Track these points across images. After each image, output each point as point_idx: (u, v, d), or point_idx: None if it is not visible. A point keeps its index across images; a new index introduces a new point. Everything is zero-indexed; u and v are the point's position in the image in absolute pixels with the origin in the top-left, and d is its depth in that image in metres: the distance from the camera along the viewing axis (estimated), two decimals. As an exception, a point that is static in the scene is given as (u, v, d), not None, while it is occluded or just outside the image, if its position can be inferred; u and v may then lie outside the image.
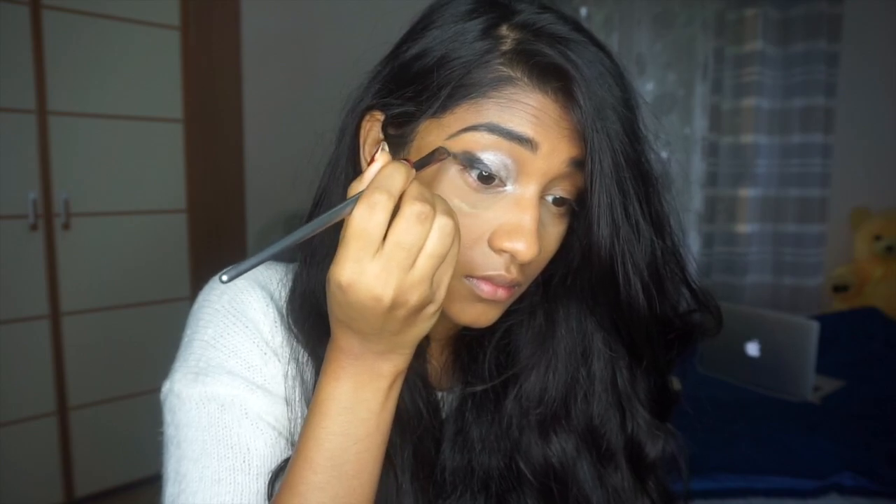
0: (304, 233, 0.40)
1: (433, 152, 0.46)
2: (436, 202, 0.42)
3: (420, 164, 0.45)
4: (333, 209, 0.41)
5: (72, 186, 2.14)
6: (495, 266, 0.49)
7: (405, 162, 0.42)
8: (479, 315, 0.51)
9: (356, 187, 0.42)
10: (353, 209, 0.40)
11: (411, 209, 0.40)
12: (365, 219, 0.40)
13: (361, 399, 0.45)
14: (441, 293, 0.44)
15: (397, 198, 0.40)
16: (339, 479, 0.46)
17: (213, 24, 2.47)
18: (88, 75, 2.15)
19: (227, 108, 2.55)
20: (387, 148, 0.44)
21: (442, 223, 0.41)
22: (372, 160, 0.42)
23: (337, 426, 0.45)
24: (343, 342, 0.45)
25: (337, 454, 0.45)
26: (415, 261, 0.41)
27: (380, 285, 0.40)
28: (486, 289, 0.50)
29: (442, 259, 0.42)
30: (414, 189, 0.41)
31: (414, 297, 0.41)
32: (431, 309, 0.44)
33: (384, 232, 0.40)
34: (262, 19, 2.60)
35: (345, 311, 0.42)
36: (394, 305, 0.41)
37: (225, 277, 0.38)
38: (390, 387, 0.46)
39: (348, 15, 2.64)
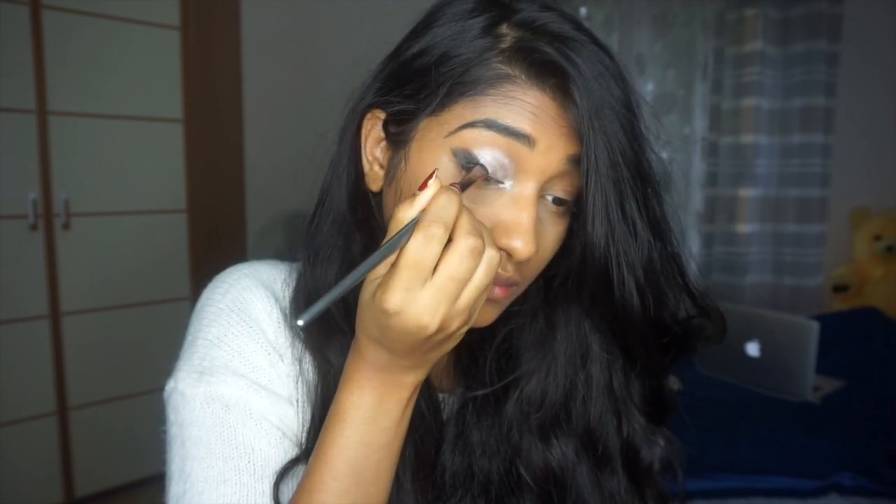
0: (368, 266, 0.41)
1: (472, 171, 0.47)
2: (483, 234, 0.43)
3: (463, 186, 0.45)
4: (391, 240, 0.42)
5: (72, 186, 2.14)
6: None
7: (455, 190, 0.43)
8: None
9: (404, 210, 0.43)
10: (408, 239, 0.41)
11: (465, 243, 0.41)
12: (421, 250, 0.40)
13: (384, 409, 0.46)
14: (475, 317, 0.45)
15: (451, 228, 0.41)
16: (357, 486, 0.46)
17: (213, 24, 2.47)
18: (88, 75, 2.15)
19: (227, 108, 2.55)
20: (439, 174, 0.44)
21: (490, 256, 0.42)
22: (424, 185, 0.43)
23: (359, 435, 0.46)
24: (370, 354, 0.45)
25: (358, 462, 0.46)
26: (461, 291, 0.42)
27: (428, 314, 0.41)
28: None
29: (486, 290, 0.43)
30: (466, 222, 0.42)
31: (455, 325, 0.42)
32: (464, 330, 0.45)
33: (436, 262, 0.41)
34: (262, 19, 2.60)
35: (383, 332, 0.43)
36: (436, 332, 0.42)
37: (301, 322, 0.39)
38: (410, 397, 0.47)
39: (348, 15, 2.65)
